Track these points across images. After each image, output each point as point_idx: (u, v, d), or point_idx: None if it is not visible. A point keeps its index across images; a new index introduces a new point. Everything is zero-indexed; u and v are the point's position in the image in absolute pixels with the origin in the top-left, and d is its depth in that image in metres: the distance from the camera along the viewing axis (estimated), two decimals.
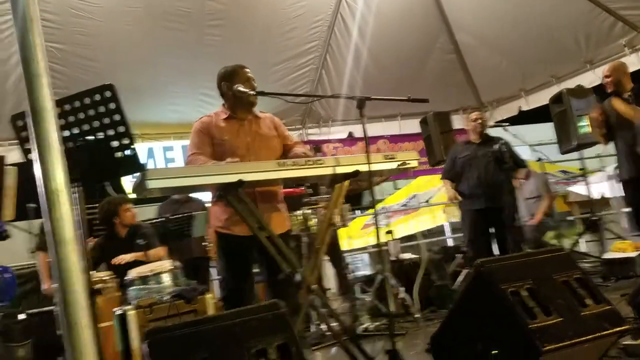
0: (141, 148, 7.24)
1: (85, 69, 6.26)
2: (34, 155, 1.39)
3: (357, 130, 8.37)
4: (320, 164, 3.07)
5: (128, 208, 4.78)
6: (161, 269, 3.99)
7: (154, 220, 5.03)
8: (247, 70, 3.31)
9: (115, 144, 2.48)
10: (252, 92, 3.23)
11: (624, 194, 5.11)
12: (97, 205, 4.55)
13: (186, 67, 6.82)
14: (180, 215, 4.60)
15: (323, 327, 4.28)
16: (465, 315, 2.59)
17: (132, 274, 4.01)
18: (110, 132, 2.46)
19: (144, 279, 3.87)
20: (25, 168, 2.98)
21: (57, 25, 5.81)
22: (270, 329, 1.89)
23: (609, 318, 2.40)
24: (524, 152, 6.19)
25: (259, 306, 2.01)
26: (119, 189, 5.01)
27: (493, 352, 2.31)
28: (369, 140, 3.11)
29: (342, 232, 5.59)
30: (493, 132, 6.19)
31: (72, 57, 6.13)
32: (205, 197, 5.05)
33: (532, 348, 2.20)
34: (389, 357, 2.83)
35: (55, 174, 1.36)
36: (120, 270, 4.25)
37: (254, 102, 3.30)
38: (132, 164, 2.57)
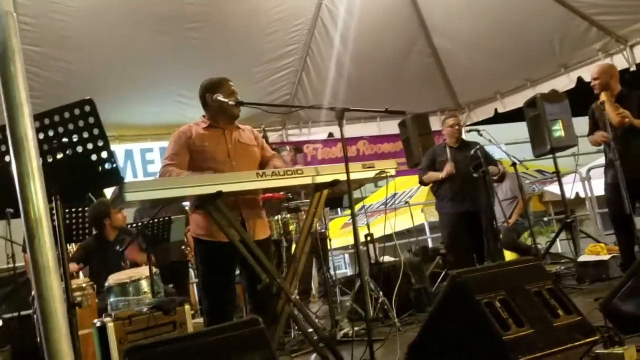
0: (119, 150, 7.19)
1: (62, 72, 6.21)
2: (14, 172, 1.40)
3: (337, 132, 8.39)
4: (300, 173, 3.11)
5: (119, 210, 4.76)
6: (139, 275, 3.99)
7: (132, 225, 5.00)
8: (232, 83, 3.34)
9: (94, 157, 2.47)
10: (231, 102, 3.26)
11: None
12: (75, 211, 4.50)
13: (165, 69, 6.80)
14: (157, 220, 4.58)
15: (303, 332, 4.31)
16: (442, 326, 2.64)
17: (111, 280, 4.00)
18: (89, 146, 2.45)
19: (122, 287, 3.87)
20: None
21: (34, 28, 5.73)
22: (250, 346, 1.92)
23: (580, 329, 2.46)
24: (499, 154, 6.27)
25: (239, 322, 2.04)
26: (100, 194, 4.97)
27: None
28: (347, 142, 3.16)
29: None
30: (468, 135, 6.28)
31: (50, 59, 6.06)
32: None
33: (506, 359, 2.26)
34: None
35: (36, 203, 1.37)
36: (101, 275, 4.23)
37: (236, 115, 3.32)
38: (112, 177, 2.56)
